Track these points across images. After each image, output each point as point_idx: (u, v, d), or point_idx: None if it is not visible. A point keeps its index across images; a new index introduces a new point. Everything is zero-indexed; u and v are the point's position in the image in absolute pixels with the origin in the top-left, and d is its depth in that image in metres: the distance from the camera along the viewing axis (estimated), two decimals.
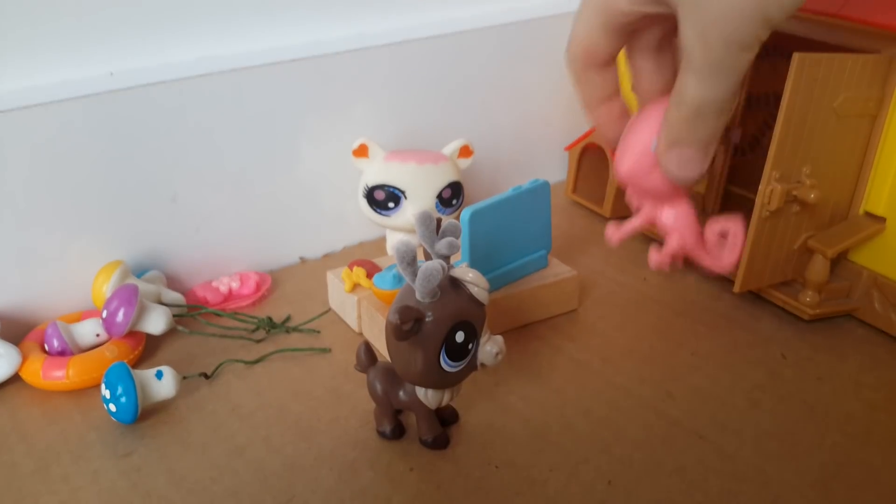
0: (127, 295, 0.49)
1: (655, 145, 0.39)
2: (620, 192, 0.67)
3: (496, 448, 0.43)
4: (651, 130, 0.39)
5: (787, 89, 0.46)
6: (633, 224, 0.44)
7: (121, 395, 0.44)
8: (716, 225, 0.42)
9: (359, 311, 0.53)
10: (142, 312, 0.50)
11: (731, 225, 0.42)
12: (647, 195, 0.43)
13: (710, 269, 0.43)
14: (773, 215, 0.50)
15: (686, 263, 0.44)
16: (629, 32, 0.40)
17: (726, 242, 0.42)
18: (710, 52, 0.34)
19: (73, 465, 0.43)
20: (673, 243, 0.43)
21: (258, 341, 0.53)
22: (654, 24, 0.39)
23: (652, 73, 0.42)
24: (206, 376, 0.49)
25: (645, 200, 0.43)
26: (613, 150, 0.44)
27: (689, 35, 0.34)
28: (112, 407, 0.44)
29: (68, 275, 0.53)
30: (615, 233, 0.45)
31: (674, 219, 0.42)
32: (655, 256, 0.44)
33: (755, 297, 0.56)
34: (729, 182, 0.61)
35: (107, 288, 0.51)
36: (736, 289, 0.53)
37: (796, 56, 0.45)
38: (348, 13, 0.59)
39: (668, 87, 0.39)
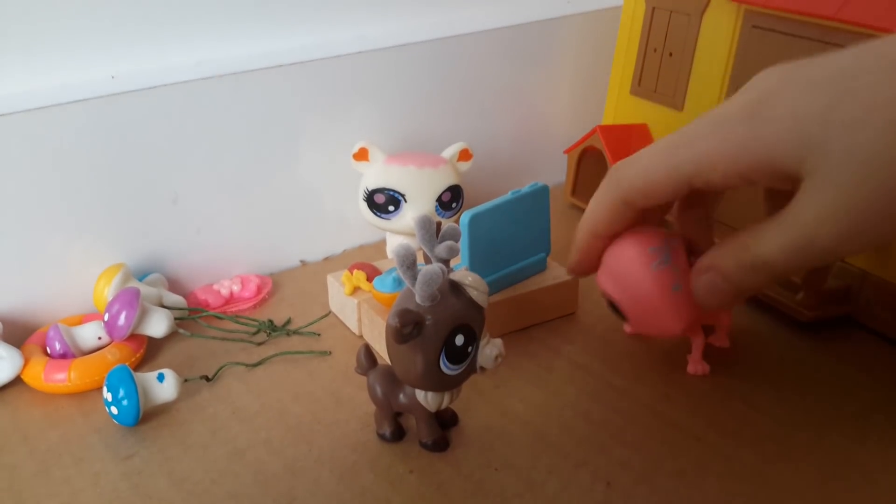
0: (128, 298, 0.49)
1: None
2: None
3: (496, 450, 0.43)
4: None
5: None
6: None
7: (122, 398, 0.44)
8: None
9: (359, 314, 0.53)
10: (143, 315, 0.50)
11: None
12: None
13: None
14: None
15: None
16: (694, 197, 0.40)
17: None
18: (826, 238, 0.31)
19: (75, 467, 0.43)
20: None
21: (259, 344, 0.53)
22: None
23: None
24: (208, 379, 0.49)
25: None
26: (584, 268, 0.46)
27: (814, 208, 0.31)
28: (114, 409, 0.44)
29: (70, 278, 0.54)
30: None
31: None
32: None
33: (753, 298, 0.56)
34: None
35: (108, 291, 0.51)
36: None
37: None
38: (348, 16, 0.60)
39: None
